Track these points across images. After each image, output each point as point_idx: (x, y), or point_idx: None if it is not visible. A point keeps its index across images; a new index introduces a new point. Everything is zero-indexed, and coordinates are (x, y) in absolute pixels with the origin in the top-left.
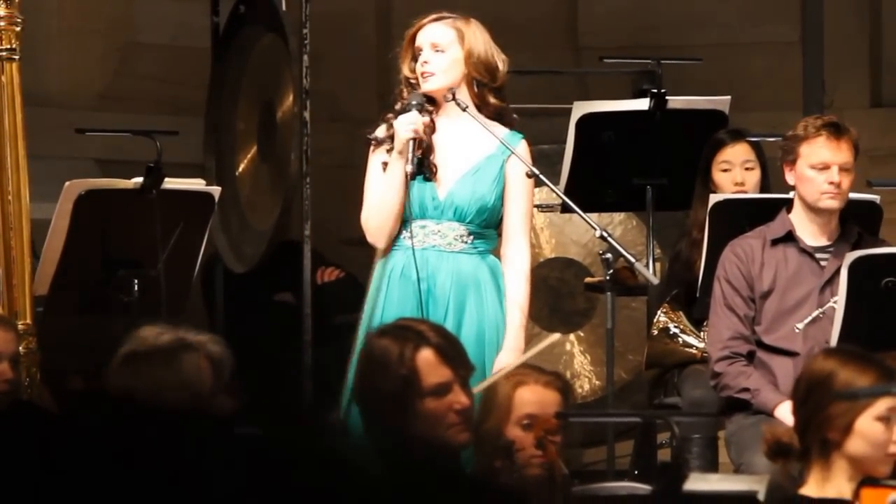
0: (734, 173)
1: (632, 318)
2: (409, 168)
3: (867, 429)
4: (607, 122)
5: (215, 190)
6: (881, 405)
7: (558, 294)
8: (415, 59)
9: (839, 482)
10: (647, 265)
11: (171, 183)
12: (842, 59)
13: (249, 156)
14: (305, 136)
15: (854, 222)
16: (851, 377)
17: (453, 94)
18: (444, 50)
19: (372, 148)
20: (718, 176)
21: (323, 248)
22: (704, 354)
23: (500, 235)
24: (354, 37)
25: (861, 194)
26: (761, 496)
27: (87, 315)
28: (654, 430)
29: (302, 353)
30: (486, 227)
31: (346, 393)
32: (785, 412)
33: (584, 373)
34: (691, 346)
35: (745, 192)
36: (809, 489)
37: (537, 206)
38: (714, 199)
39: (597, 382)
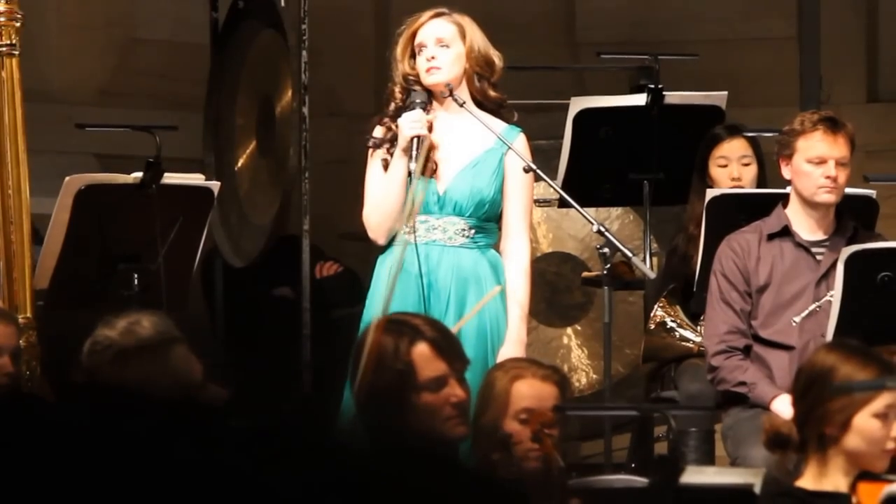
0: (731, 168)
1: (629, 312)
2: (413, 166)
3: (865, 425)
4: (604, 118)
5: (214, 185)
6: (879, 402)
7: (556, 288)
8: (413, 55)
9: (836, 476)
10: (644, 260)
11: (170, 178)
12: (838, 54)
13: (248, 151)
14: (304, 131)
15: (850, 217)
16: (852, 372)
17: (451, 90)
18: (448, 45)
19: (371, 151)
20: (715, 171)
21: (322, 243)
22: (701, 348)
23: (500, 229)
24: (353, 32)
25: (857, 189)
26: (757, 489)
27: (87, 309)
28: (651, 423)
29: (301, 347)
30: (487, 220)
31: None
32: (781, 406)
33: (582, 366)
34: (688, 340)
35: (741, 187)
36: (806, 482)
37: (535, 201)
38: (711, 193)
39: (594, 376)
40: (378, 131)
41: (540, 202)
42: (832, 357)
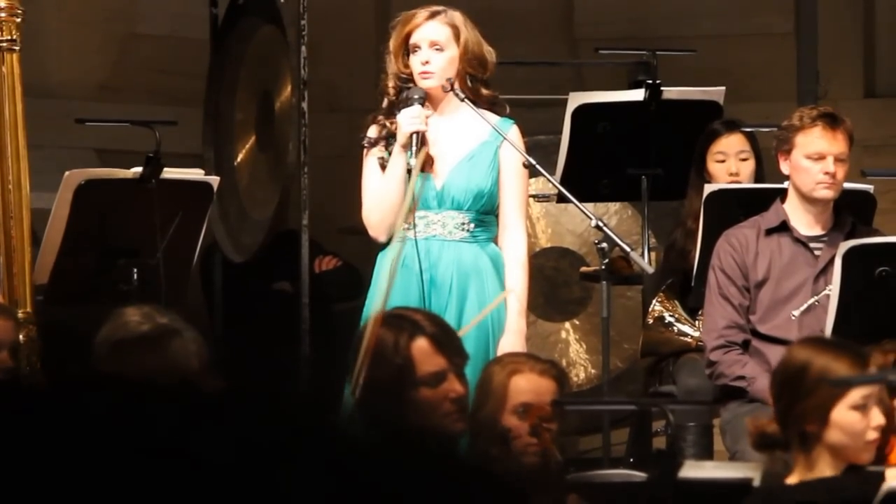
0: (729, 164)
1: (627, 307)
2: (413, 161)
3: (844, 419)
4: (603, 113)
5: (214, 180)
6: (855, 394)
7: (554, 283)
8: (406, 54)
9: (823, 472)
10: (642, 255)
11: (169, 173)
12: (836, 49)
13: (248, 146)
14: (303, 126)
15: (848, 212)
16: (827, 365)
17: (451, 85)
18: (442, 48)
19: (365, 151)
20: (713, 166)
21: (321, 238)
22: (699, 343)
23: (498, 222)
24: (352, 27)
25: (855, 184)
26: (756, 483)
27: (86, 303)
28: (650, 418)
29: (300, 341)
30: (485, 213)
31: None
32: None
33: (580, 361)
34: (686, 334)
35: (739, 182)
36: (795, 479)
37: (533, 197)
38: (709, 189)
39: (592, 371)
40: (372, 130)
41: (538, 197)
42: (805, 352)
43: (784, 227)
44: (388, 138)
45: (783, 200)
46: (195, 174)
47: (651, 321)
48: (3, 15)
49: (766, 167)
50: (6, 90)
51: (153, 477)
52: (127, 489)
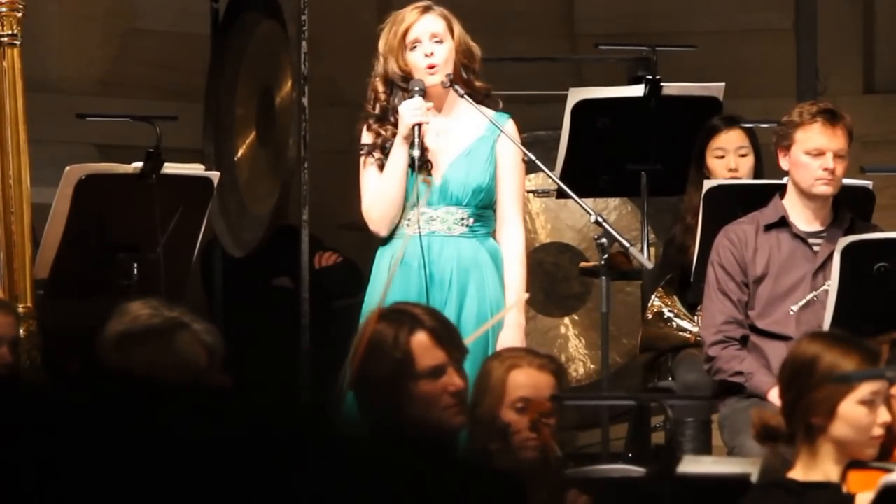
0: (728, 159)
1: (626, 302)
2: (416, 153)
3: (851, 413)
4: (602, 109)
5: (214, 175)
6: (864, 389)
7: (554, 278)
8: (404, 52)
9: (826, 466)
10: (641, 250)
11: (170, 168)
12: (835, 45)
13: (248, 141)
14: (304, 121)
15: (847, 208)
16: (836, 360)
17: (451, 81)
18: (442, 40)
19: (363, 159)
20: (712, 162)
21: (321, 233)
22: (698, 338)
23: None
24: (353, 23)
25: (854, 180)
26: (754, 479)
27: (87, 298)
28: (649, 413)
29: (300, 337)
30: (484, 208)
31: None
32: (778, 396)
33: (579, 356)
34: (685, 330)
35: (738, 177)
36: (797, 473)
37: (533, 192)
38: (708, 184)
39: (591, 366)
40: (367, 137)
41: (538, 193)
42: (816, 346)
43: (783, 223)
44: (384, 144)
45: (782, 196)
46: (195, 169)
47: (650, 316)
48: (3, 10)
49: (765, 163)
50: (7, 85)
51: (159, 474)
52: (133, 486)
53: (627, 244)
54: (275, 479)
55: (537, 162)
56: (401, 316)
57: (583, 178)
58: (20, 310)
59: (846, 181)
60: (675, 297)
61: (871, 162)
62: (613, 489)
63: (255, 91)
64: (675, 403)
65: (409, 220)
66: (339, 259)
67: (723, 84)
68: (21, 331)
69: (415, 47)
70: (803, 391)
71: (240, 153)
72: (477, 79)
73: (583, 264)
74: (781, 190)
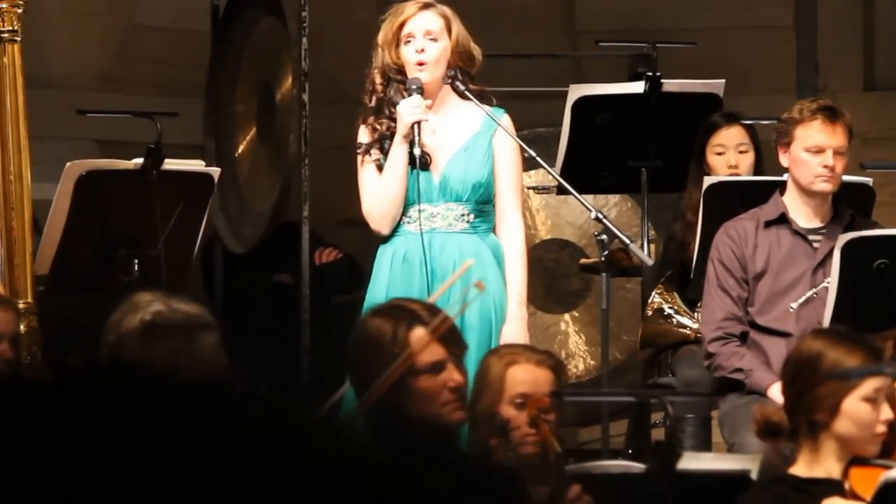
0: (728, 156)
1: (626, 298)
2: (417, 151)
3: (854, 409)
4: (603, 105)
5: (214, 171)
6: (868, 386)
7: (554, 275)
8: (398, 45)
9: (828, 462)
10: (641, 247)
11: (170, 164)
12: (835, 42)
13: (248, 137)
14: (304, 117)
15: (847, 204)
16: (840, 357)
17: (452, 78)
18: (436, 38)
19: (360, 159)
20: (712, 158)
21: (321, 229)
22: (698, 335)
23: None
24: (353, 19)
25: (854, 177)
26: (754, 475)
27: (87, 294)
28: (649, 409)
29: (300, 333)
30: (484, 203)
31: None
32: (777, 392)
33: (579, 353)
34: (685, 326)
35: (738, 174)
36: (799, 469)
37: (533, 188)
38: (708, 181)
39: (591, 362)
40: (363, 135)
41: (538, 189)
42: (819, 343)
43: (783, 220)
44: (382, 140)
45: (782, 193)
46: (196, 165)
47: (650, 313)
48: (4, 6)
49: (765, 159)
50: (7, 81)
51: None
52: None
53: (628, 241)
54: (275, 479)
55: (537, 158)
56: (399, 311)
57: (583, 174)
58: (21, 306)
59: (846, 178)
60: (675, 294)
61: (871, 159)
62: (613, 486)
63: (256, 87)
64: (675, 400)
65: (409, 217)
66: (339, 255)
67: (723, 81)
68: (22, 327)
69: (408, 42)
70: (806, 387)
71: (240, 149)
72: (471, 82)
73: (583, 261)
74: (781, 186)
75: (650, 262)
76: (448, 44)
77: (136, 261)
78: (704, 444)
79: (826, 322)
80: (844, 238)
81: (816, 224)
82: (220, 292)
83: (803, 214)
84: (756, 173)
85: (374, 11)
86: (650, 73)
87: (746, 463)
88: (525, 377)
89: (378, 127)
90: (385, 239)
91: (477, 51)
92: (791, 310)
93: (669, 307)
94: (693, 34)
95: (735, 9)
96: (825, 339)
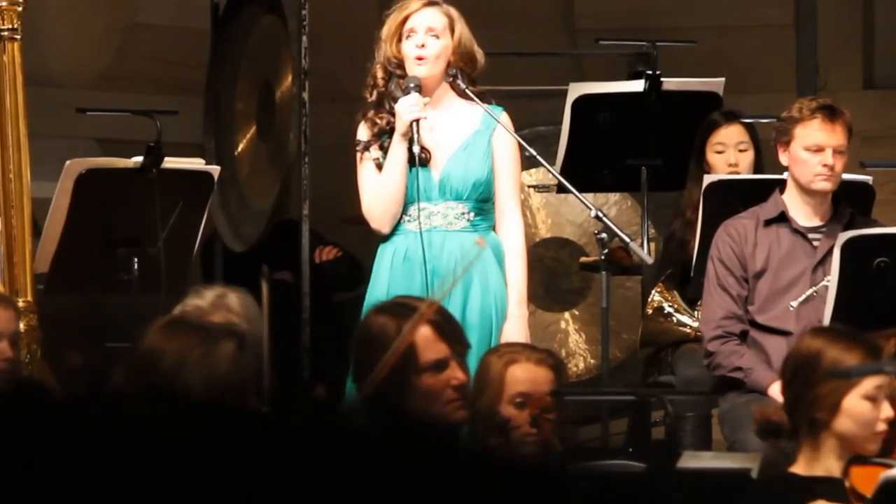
0: (728, 154)
1: (626, 297)
2: (416, 149)
3: (855, 407)
4: (603, 104)
5: (214, 169)
6: (868, 384)
7: (554, 273)
8: (400, 39)
9: (828, 460)
10: (641, 245)
11: (170, 162)
12: (835, 41)
13: (248, 135)
14: (304, 115)
15: (846, 203)
16: (839, 356)
17: (454, 75)
18: (438, 35)
19: (359, 156)
20: (712, 157)
21: (321, 227)
22: (698, 333)
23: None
24: (353, 17)
25: (854, 175)
26: (754, 474)
27: (87, 293)
28: (649, 408)
29: (300, 331)
30: (483, 202)
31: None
32: (777, 391)
33: (579, 351)
34: (685, 325)
35: (738, 172)
36: (799, 467)
37: (533, 187)
38: (708, 179)
39: (591, 361)
40: (363, 132)
41: (538, 188)
42: (819, 341)
43: (783, 218)
44: (381, 136)
45: (782, 191)
46: (196, 164)
47: (650, 311)
48: (4, 4)
49: (765, 158)
50: (7, 79)
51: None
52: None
53: (627, 239)
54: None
55: (537, 157)
56: (403, 309)
57: (583, 173)
58: (20, 304)
59: (846, 176)
60: (675, 292)
61: (870, 157)
62: (613, 484)
63: (256, 85)
64: (675, 398)
65: (409, 216)
66: (339, 253)
67: (723, 79)
68: (21, 325)
69: (410, 37)
70: (807, 386)
71: (240, 148)
72: (471, 85)
73: (583, 259)
74: (781, 185)
75: (650, 260)
76: (450, 43)
77: (136, 259)
78: (704, 443)
79: (826, 320)
80: (844, 236)
81: (816, 223)
82: None
83: (803, 213)
84: (756, 172)
85: (374, 10)
86: (650, 72)
87: (746, 461)
88: (525, 376)
89: (378, 122)
90: (385, 238)
91: (480, 54)
92: (791, 308)
93: (669, 306)
94: (693, 33)
95: (735, 8)
96: (825, 338)
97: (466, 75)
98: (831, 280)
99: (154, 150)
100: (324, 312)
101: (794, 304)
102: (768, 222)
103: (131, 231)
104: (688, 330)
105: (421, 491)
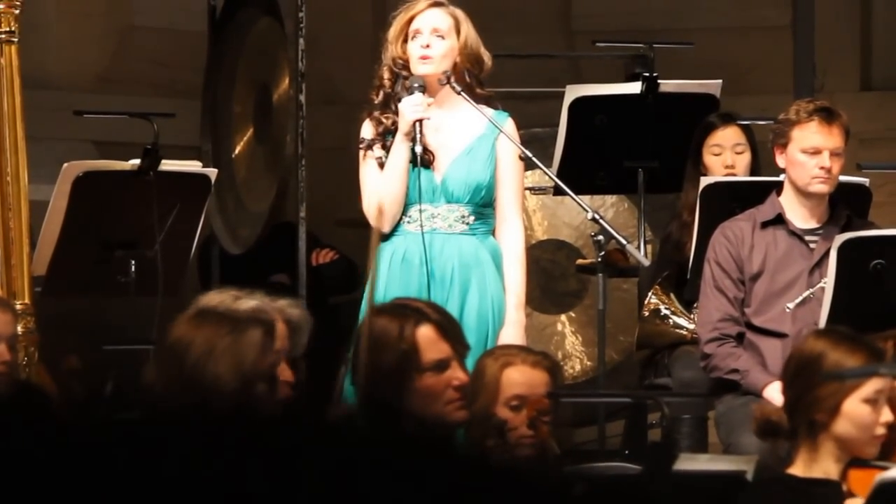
0: (725, 156)
1: (623, 299)
2: (419, 149)
3: (854, 411)
4: (600, 106)
5: (212, 172)
6: (868, 387)
7: (550, 276)
8: (405, 40)
9: (826, 463)
10: (638, 247)
11: (167, 165)
12: (832, 43)
13: (245, 138)
14: (301, 118)
15: (843, 205)
16: (841, 358)
17: (448, 79)
18: (443, 36)
19: (362, 154)
20: (709, 159)
21: (318, 230)
22: (694, 336)
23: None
24: (350, 20)
25: (850, 177)
26: (750, 476)
27: (84, 295)
28: (645, 410)
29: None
30: (484, 206)
31: (345, 374)
32: (773, 393)
33: (576, 353)
34: (682, 327)
35: (735, 174)
36: (797, 469)
37: (530, 189)
38: (705, 181)
39: (588, 363)
40: (367, 129)
41: (535, 190)
42: (821, 343)
43: (779, 220)
44: (385, 135)
45: (779, 193)
46: (193, 166)
47: (647, 314)
48: (1, 6)
49: (761, 160)
50: (4, 82)
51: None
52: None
53: (624, 241)
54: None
55: (534, 159)
56: (405, 309)
57: (580, 175)
58: (18, 307)
59: (843, 178)
60: (671, 295)
61: (867, 159)
62: (610, 486)
63: (253, 88)
64: (672, 400)
65: (410, 217)
66: (336, 256)
67: (720, 81)
68: (19, 328)
69: (415, 37)
70: (807, 388)
71: (237, 150)
72: (479, 86)
73: (579, 261)
74: (778, 187)
75: (647, 262)
76: (455, 43)
77: (133, 262)
78: (700, 445)
79: (822, 323)
80: (841, 238)
81: (813, 225)
82: None
83: (800, 215)
84: (752, 174)
85: (370, 12)
86: (647, 74)
87: (742, 464)
88: (521, 379)
89: (384, 121)
90: (384, 238)
91: (487, 56)
92: (787, 310)
93: (666, 308)
94: (690, 35)
95: (732, 9)
96: (826, 340)
97: (474, 76)
98: (828, 282)
99: (151, 152)
100: (320, 315)
101: (791, 306)
102: (765, 224)
103: (128, 233)
104: (684, 332)
105: (418, 494)
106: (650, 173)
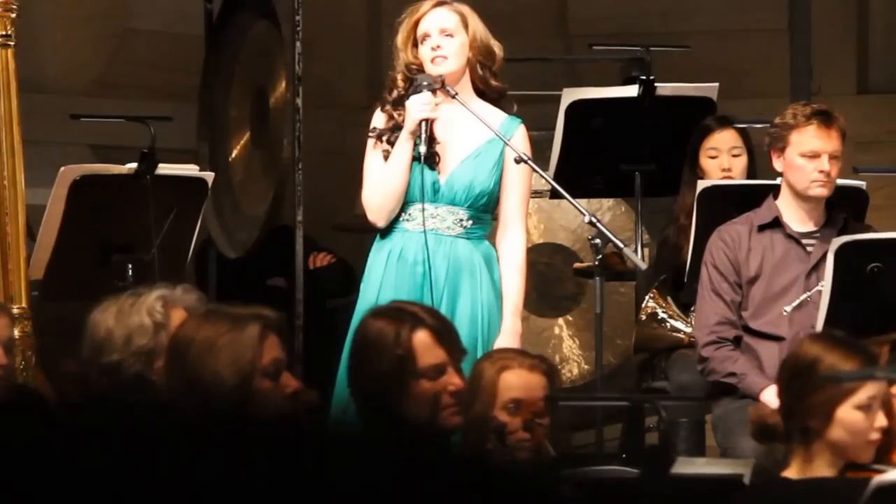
0: (721, 159)
1: (620, 303)
2: (423, 148)
3: (848, 417)
4: (596, 109)
5: (208, 175)
6: (862, 394)
7: (547, 279)
8: (416, 44)
9: (820, 468)
10: (635, 251)
11: (164, 168)
12: (829, 45)
13: (242, 142)
14: (298, 122)
15: (840, 208)
16: (836, 363)
17: (442, 82)
18: (452, 34)
19: (373, 143)
20: (706, 162)
21: (315, 234)
22: (692, 339)
23: (496, 219)
24: (346, 24)
25: (847, 180)
26: (747, 479)
27: (81, 299)
28: (642, 413)
29: (294, 337)
30: (483, 211)
31: (340, 377)
32: (770, 396)
33: (573, 357)
34: (679, 330)
35: (732, 178)
36: (792, 473)
37: None
38: (702, 185)
39: (585, 367)
40: (378, 118)
41: (532, 193)
42: (817, 348)
43: (777, 224)
44: (394, 129)
45: (776, 197)
46: (190, 170)
47: (644, 317)
48: None
49: (758, 163)
50: (1, 86)
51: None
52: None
53: (621, 245)
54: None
55: (530, 163)
56: (402, 314)
57: (576, 178)
58: (15, 311)
59: (840, 181)
60: (668, 298)
61: (864, 162)
62: (607, 490)
63: (250, 91)
64: (669, 404)
65: (409, 215)
66: (333, 259)
67: (716, 84)
68: (16, 332)
69: (424, 41)
70: (802, 393)
71: (234, 154)
72: (493, 78)
73: (576, 265)
74: (775, 190)
75: (644, 266)
76: (465, 39)
77: (130, 266)
78: (698, 449)
79: (819, 326)
80: (838, 242)
81: (810, 228)
82: (214, 297)
83: (797, 218)
84: (749, 177)
85: (366, 16)
86: (644, 77)
87: (739, 467)
88: (518, 382)
89: (395, 117)
90: (382, 235)
91: (498, 47)
92: (784, 314)
93: (663, 311)
94: (687, 38)
95: (729, 12)
96: (822, 344)
97: (487, 69)
98: (825, 285)
99: (148, 156)
100: (317, 319)
101: (788, 309)
102: (762, 228)
103: (125, 237)
104: (681, 335)
105: (415, 496)
106: (647, 176)
